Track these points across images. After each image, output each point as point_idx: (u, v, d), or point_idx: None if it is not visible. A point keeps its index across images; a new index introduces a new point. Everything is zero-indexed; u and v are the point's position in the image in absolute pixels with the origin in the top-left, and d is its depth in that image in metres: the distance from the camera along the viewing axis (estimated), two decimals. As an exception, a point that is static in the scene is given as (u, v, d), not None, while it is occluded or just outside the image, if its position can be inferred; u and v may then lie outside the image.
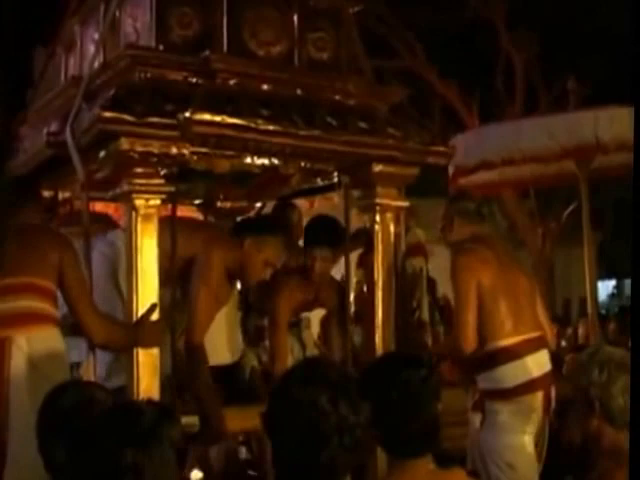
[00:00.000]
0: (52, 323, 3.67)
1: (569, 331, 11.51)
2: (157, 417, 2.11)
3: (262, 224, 4.77)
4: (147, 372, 3.72)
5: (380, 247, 4.34)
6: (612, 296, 26.49)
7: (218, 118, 3.73)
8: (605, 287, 25.38)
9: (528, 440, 4.30)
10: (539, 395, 4.32)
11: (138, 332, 3.71)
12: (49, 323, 3.65)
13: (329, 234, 4.72)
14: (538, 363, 4.38)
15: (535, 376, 4.32)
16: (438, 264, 5.28)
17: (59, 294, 3.78)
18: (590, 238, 7.39)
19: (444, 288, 5.63)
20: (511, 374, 4.27)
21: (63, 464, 2.58)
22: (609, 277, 25.55)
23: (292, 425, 2.19)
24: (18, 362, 3.49)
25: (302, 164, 4.23)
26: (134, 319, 3.72)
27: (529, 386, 4.29)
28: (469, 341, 4.27)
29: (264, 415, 2.27)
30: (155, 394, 3.63)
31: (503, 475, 4.26)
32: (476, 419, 4.38)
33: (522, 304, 4.44)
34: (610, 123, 6.73)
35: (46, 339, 3.61)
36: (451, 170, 7.32)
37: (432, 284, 5.21)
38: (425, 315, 4.80)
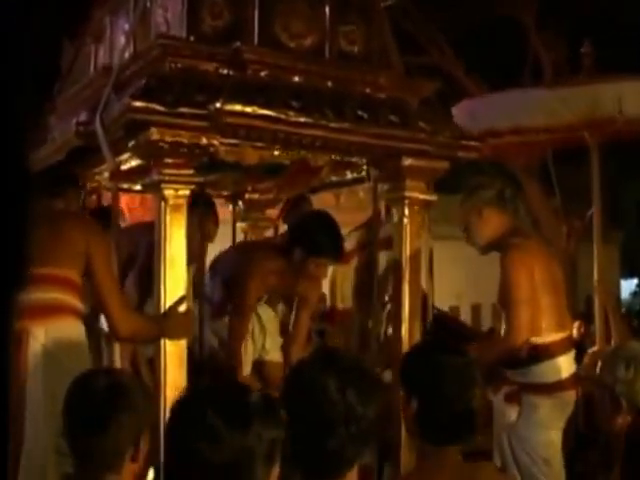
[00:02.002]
0: (72, 314, 3.64)
1: (592, 328, 11.44)
2: (263, 415, 2.06)
3: None
4: (175, 363, 3.71)
5: (408, 240, 4.31)
6: (634, 294, 26.39)
7: (249, 109, 3.72)
8: (628, 286, 25.29)
9: (560, 436, 4.29)
10: (573, 393, 4.31)
11: (166, 323, 3.69)
12: (69, 314, 3.63)
13: (335, 245, 4.56)
14: (571, 362, 4.37)
15: (569, 374, 4.31)
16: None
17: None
18: (600, 209, 7.19)
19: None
20: (553, 370, 4.26)
21: (92, 448, 2.62)
22: (631, 276, 25.46)
23: (301, 410, 2.20)
24: (35, 354, 3.47)
25: (332, 156, 4.22)
26: (162, 310, 3.71)
27: (566, 383, 4.28)
28: (522, 338, 4.24)
29: (279, 399, 2.27)
30: (182, 385, 3.62)
31: (536, 468, 4.24)
32: (509, 411, 4.34)
33: (562, 300, 4.42)
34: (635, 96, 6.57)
35: (64, 331, 3.58)
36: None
37: None
38: None
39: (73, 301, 3.65)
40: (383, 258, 4.68)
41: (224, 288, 4.83)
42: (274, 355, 4.90)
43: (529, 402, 4.29)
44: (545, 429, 4.26)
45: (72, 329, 3.61)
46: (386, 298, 4.68)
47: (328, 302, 5.54)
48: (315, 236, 4.54)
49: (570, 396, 4.33)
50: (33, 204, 3.71)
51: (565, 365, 4.32)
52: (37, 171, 4.08)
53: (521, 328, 4.24)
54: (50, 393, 3.40)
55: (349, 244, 4.93)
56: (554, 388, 4.27)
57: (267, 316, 4.96)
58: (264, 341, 4.88)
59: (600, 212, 7.15)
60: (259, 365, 4.88)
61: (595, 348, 6.56)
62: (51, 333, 3.52)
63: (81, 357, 3.60)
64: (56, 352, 3.50)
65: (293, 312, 5.08)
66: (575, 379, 4.36)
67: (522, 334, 4.24)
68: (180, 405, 2.11)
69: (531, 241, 4.47)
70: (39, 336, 3.48)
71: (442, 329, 4.90)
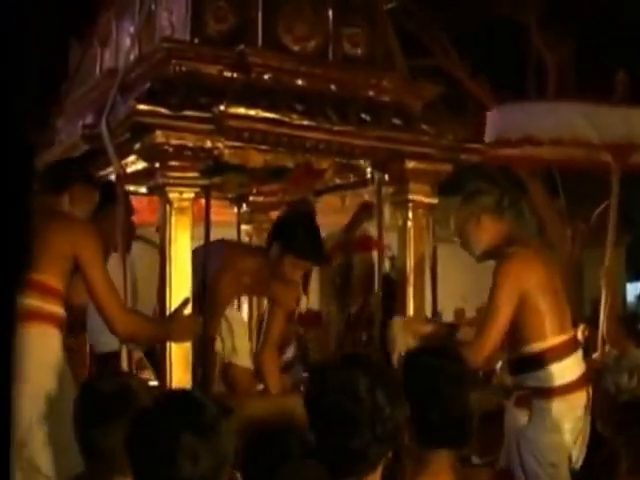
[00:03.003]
0: (46, 322, 3.47)
1: (597, 332, 11.42)
2: (219, 412, 2.16)
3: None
4: (180, 365, 3.73)
5: (412, 243, 4.33)
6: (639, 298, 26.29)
7: (252, 112, 3.74)
8: (633, 289, 25.21)
9: (569, 439, 4.27)
10: (582, 394, 4.30)
11: (171, 326, 3.69)
12: (40, 322, 3.44)
13: (312, 247, 4.42)
14: (579, 362, 4.36)
15: (576, 376, 4.29)
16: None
17: None
18: (615, 230, 7.15)
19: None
20: (561, 372, 4.24)
21: (101, 447, 2.65)
22: (637, 279, 25.38)
23: (328, 407, 2.20)
24: None
25: (335, 159, 4.22)
26: (167, 312, 3.72)
27: (575, 385, 4.27)
28: (483, 357, 4.21)
29: (304, 397, 2.30)
30: (187, 386, 3.64)
31: (543, 472, 4.22)
32: (520, 415, 4.32)
33: (563, 302, 4.41)
34: None
35: (31, 339, 3.37)
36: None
37: (388, 281, 4.99)
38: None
39: (49, 307, 3.48)
40: (360, 260, 4.63)
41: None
42: (243, 360, 4.79)
43: (540, 406, 4.27)
44: (554, 433, 4.25)
45: (43, 338, 3.44)
46: (362, 301, 4.62)
47: (305, 304, 5.33)
48: (294, 234, 4.41)
49: (579, 398, 4.30)
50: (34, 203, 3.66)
51: (572, 366, 4.29)
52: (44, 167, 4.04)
53: (484, 349, 4.17)
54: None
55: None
56: (563, 391, 4.25)
57: (235, 318, 4.87)
58: (233, 342, 4.77)
59: (614, 236, 7.11)
60: (227, 368, 4.77)
61: (597, 354, 6.55)
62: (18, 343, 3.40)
63: (46, 365, 3.42)
64: (17, 363, 3.38)
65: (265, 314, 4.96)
66: (584, 380, 4.35)
67: (484, 353, 4.18)
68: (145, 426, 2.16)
69: (528, 249, 4.41)
70: None
71: None
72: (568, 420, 4.26)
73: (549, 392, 4.25)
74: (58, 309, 3.53)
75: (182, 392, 2.38)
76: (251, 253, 4.62)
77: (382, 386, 2.20)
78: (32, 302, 3.42)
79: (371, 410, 2.17)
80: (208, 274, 4.14)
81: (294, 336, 4.96)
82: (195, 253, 3.95)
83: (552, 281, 4.37)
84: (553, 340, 4.29)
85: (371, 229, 4.74)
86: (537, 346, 4.27)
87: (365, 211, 4.88)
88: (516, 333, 4.35)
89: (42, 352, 3.42)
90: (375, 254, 4.66)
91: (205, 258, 4.10)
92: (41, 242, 3.52)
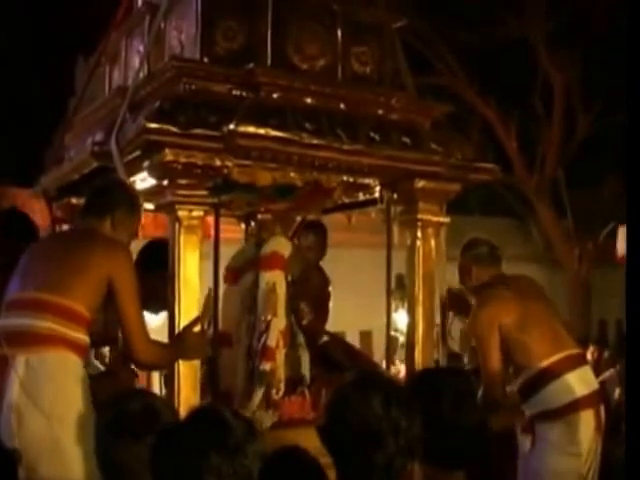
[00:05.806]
0: (68, 348, 3.40)
1: (605, 354, 11.39)
2: (247, 433, 2.19)
3: None
4: (187, 383, 3.72)
5: (421, 263, 4.32)
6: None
7: (262, 131, 3.73)
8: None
9: (576, 463, 4.22)
10: (589, 414, 4.26)
11: (181, 344, 3.67)
12: (62, 347, 3.39)
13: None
14: (582, 380, 4.33)
15: (581, 394, 4.26)
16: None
17: None
18: None
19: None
20: (559, 391, 4.23)
21: (122, 465, 2.67)
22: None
23: (349, 428, 2.26)
24: (13, 384, 3.30)
25: (345, 178, 4.21)
26: (176, 331, 3.71)
27: (581, 403, 4.24)
28: (498, 388, 4.31)
29: (322, 424, 2.34)
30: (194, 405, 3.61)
31: None
32: (527, 442, 4.31)
33: (555, 326, 4.45)
34: None
35: (51, 364, 3.36)
36: None
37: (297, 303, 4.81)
38: (272, 340, 4.32)
39: (71, 333, 3.42)
40: (263, 279, 4.47)
41: None
42: None
43: (542, 430, 4.25)
44: (559, 457, 4.21)
45: (63, 363, 3.39)
46: (263, 327, 4.37)
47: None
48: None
49: (585, 418, 4.25)
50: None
51: (572, 384, 4.26)
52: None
53: (493, 380, 4.30)
54: (20, 425, 3.28)
55: (235, 261, 4.75)
56: (565, 411, 4.22)
57: None
58: None
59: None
60: None
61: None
62: (32, 364, 3.32)
63: (66, 395, 3.37)
64: (31, 385, 3.30)
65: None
66: (590, 400, 4.31)
67: (496, 385, 4.31)
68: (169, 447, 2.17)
69: (500, 285, 4.54)
70: (19, 365, 3.30)
71: (326, 358, 4.80)
72: (574, 443, 4.22)
73: (550, 414, 4.24)
74: (82, 336, 3.46)
75: (212, 410, 2.38)
76: None
77: (395, 402, 2.26)
78: (55, 327, 3.38)
79: (389, 425, 2.23)
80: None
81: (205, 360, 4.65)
82: None
83: (534, 309, 4.43)
84: (545, 362, 4.29)
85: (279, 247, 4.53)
86: (529, 372, 4.29)
87: (276, 226, 4.81)
88: (510, 365, 4.39)
89: (61, 378, 3.37)
90: (282, 273, 4.50)
91: None
92: (78, 264, 3.50)
